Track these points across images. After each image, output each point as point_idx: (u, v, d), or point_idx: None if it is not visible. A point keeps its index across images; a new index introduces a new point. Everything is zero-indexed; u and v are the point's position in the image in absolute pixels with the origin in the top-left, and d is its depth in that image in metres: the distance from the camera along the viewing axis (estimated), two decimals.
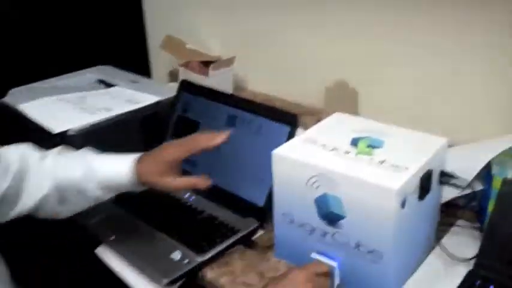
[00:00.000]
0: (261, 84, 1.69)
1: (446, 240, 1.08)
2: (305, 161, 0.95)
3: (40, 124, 1.28)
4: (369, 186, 0.88)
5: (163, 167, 1.00)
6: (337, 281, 0.97)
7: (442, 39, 1.28)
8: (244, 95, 1.68)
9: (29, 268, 1.13)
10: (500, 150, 1.08)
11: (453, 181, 1.02)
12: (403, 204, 0.89)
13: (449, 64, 1.30)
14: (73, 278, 1.29)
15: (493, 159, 1.08)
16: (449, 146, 1.03)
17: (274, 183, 1.01)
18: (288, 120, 1.14)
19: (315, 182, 0.94)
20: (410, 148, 0.98)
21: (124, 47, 1.89)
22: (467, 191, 1.11)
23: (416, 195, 0.93)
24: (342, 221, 0.94)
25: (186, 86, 1.38)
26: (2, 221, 1.02)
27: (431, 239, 1.05)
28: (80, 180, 1.02)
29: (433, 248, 1.05)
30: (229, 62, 1.63)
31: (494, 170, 1.07)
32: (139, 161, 1.02)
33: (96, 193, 1.03)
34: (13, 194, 1.00)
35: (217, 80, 1.59)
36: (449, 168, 1.06)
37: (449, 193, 1.11)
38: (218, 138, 1.01)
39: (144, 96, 1.43)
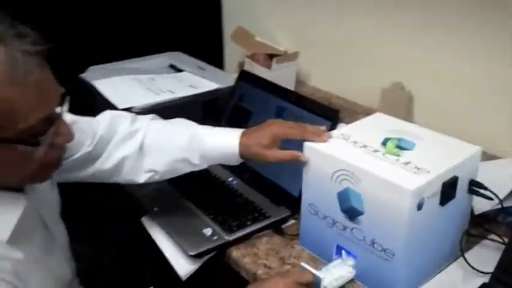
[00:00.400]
0: (322, 81, 1.72)
1: (473, 251, 1.07)
2: (332, 155, 0.99)
3: (108, 99, 1.41)
4: (387, 184, 0.90)
5: (267, 141, 1.06)
6: None
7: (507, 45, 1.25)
8: (305, 90, 1.73)
9: (82, 232, 1.25)
10: None
11: (483, 192, 1.01)
12: (419, 207, 0.90)
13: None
14: (119, 241, 1.40)
15: None
16: (498, 157, 1.02)
17: (304, 174, 1.05)
18: (330, 115, 1.18)
19: (339, 176, 0.98)
20: (440, 153, 0.99)
21: (201, 36, 1.99)
22: (505, 205, 1.09)
23: (437, 200, 0.94)
24: (360, 217, 0.96)
25: (245, 77, 1.45)
26: (73, 180, 1.13)
27: (455, 247, 1.04)
28: (184, 147, 1.09)
29: (456, 257, 1.05)
30: (293, 56, 1.68)
31: None
32: (244, 134, 1.08)
33: (195, 162, 1.10)
34: (93, 156, 1.10)
35: (279, 74, 1.64)
36: (485, 180, 1.06)
37: (483, 205, 1.10)
38: (324, 137, 1.03)
39: (206, 82, 1.52)
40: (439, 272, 1.03)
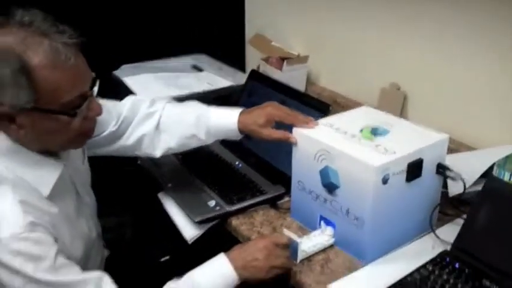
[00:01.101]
0: (330, 81, 1.89)
1: (445, 227, 1.21)
2: (314, 137, 1.16)
3: (134, 93, 1.62)
4: (357, 162, 1.07)
5: (263, 120, 1.24)
6: (300, 256, 1.14)
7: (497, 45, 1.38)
8: (314, 89, 1.90)
9: (108, 206, 1.45)
10: (503, 155, 1.20)
11: (449, 173, 1.16)
12: (385, 181, 1.06)
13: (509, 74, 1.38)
14: (140, 214, 1.60)
15: (496, 162, 1.20)
16: None
17: (293, 154, 1.22)
18: (323, 108, 1.35)
19: (320, 155, 1.15)
20: (409, 139, 1.15)
21: (225, 41, 2.19)
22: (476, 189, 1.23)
23: (403, 177, 1.10)
24: (337, 191, 1.13)
25: (254, 76, 1.64)
26: (100, 154, 1.34)
27: (425, 222, 1.18)
28: (191, 124, 1.29)
29: (428, 232, 1.19)
30: (303, 59, 1.86)
31: (495, 171, 1.19)
32: (243, 113, 1.27)
33: (202, 137, 1.29)
34: (118, 134, 1.31)
35: (290, 75, 1.82)
36: (463, 165, 1.21)
37: (456, 188, 1.24)
38: (311, 124, 1.20)
39: (221, 80, 1.71)
40: (410, 243, 1.18)
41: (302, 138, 1.19)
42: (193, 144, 1.32)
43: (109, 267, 1.35)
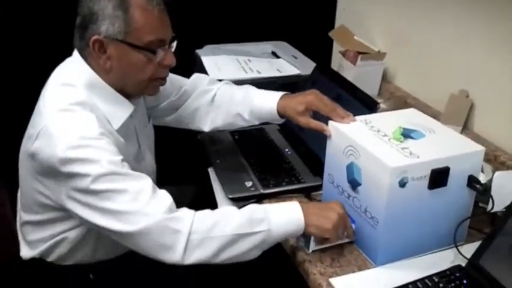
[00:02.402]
0: (405, 81, 1.84)
1: (473, 245, 1.15)
2: (344, 132, 1.17)
3: (207, 71, 1.71)
4: (376, 160, 1.06)
5: (301, 107, 1.30)
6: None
7: None
8: (388, 87, 1.87)
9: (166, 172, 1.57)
10: None
11: (479, 188, 1.11)
12: (402, 184, 1.05)
13: None
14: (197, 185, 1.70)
15: None
16: None
17: (327, 147, 1.24)
18: (370, 105, 1.34)
19: (348, 151, 1.15)
20: (442, 146, 1.11)
21: (316, 31, 2.21)
22: None
23: (425, 184, 1.07)
24: (359, 188, 1.13)
25: (320, 68, 1.65)
26: (160, 124, 1.48)
27: (450, 235, 1.14)
28: (238, 103, 1.40)
29: (451, 246, 1.15)
30: (379, 56, 1.83)
31: None
32: (283, 98, 1.35)
33: (246, 117, 1.39)
34: (177, 104, 1.45)
35: (364, 70, 1.81)
36: (505, 186, 1.15)
37: (496, 206, 1.18)
38: (347, 120, 1.22)
39: (291, 68, 1.75)
40: (429, 253, 1.15)
41: (334, 131, 1.21)
42: (239, 123, 1.42)
43: None
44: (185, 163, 1.66)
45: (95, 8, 1.13)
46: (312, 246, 1.15)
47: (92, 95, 1.17)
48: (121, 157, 1.10)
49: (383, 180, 1.05)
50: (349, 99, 1.43)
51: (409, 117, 1.25)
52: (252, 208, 1.12)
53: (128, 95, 1.24)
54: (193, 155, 1.63)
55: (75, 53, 1.22)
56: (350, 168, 1.15)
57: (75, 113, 1.13)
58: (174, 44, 1.23)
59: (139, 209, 1.06)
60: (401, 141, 1.12)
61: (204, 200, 1.65)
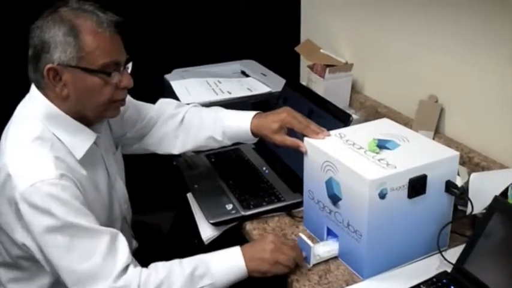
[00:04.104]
0: (373, 90, 1.86)
1: (457, 249, 1.16)
2: (320, 148, 1.17)
3: (177, 96, 1.70)
4: (354, 174, 1.07)
5: (276, 126, 1.30)
6: (313, 261, 1.16)
7: None
8: (358, 97, 1.89)
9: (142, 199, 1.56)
10: None
11: (457, 192, 1.12)
12: (382, 196, 1.05)
13: None
14: (173, 212, 1.68)
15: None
16: None
17: (304, 163, 1.24)
18: (343, 118, 1.35)
19: (325, 166, 1.16)
20: (417, 154, 1.12)
21: (280, 47, 2.22)
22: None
23: (404, 193, 1.08)
24: (340, 202, 1.14)
25: (290, 84, 1.66)
26: (129, 152, 1.48)
27: (433, 241, 1.15)
28: (209, 125, 1.40)
29: (436, 252, 1.16)
30: (346, 68, 1.85)
31: (510, 192, 1.13)
32: (256, 117, 1.35)
33: (218, 138, 1.39)
34: (144, 132, 1.45)
35: (334, 82, 1.82)
36: (481, 186, 1.17)
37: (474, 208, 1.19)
38: (321, 135, 1.23)
39: (261, 86, 1.75)
40: (415, 261, 1.16)
41: (310, 147, 1.21)
42: (211, 144, 1.42)
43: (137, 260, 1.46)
44: (162, 189, 1.65)
45: (46, 37, 1.14)
46: (313, 259, 1.16)
47: (52, 127, 1.17)
48: (80, 206, 1.10)
49: (363, 194, 1.05)
50: (321, 113, 1.44)
51: (382, 127, 1.27)
52: (195, 263, 1.14)
53: (89, 122, 1.23)
54: (170, 181, 1.62)
55: (32, 87, 1.21)
56: (329, 184, 1.16)
57: (34, 152, 1.13)
58: (130, 66, 1.24)
59: (87, 270, 1.07)
60: (377, 153, 1.13)
61: (183, 225, 1.64)
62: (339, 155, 1.13)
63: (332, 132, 1.24)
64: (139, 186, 1.58)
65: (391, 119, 1.37)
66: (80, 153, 1.19)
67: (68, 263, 1.07)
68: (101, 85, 1.18)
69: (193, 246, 1.61)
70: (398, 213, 1.09)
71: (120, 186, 1.39)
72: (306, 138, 1.22)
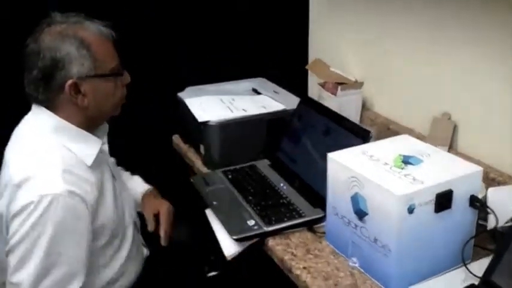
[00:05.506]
0: (385, 108, 1.89)
1: (481, 262, 1.18)
2: (345, 164, 1.19)
3: (193, 114, 1.72)
4: (382, 190, 1.09)
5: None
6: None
7: None
8: (368, 114, 1.92)
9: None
10: None
11: (480, 206, 1.15)
12: (410, 211, 1.07)
13: None
14: (190, 229, 1.69)
15: None
16: None
17: (327, 180, 1.26)
18: (362, 134, 1.38)
19: (351, 182, 1.18)
20: (441, 170, 1.15)
21: (289, 66, 2.26)
22: None
23: (431, 208, 1.10)
24: (366, 217, 1.15)
25: (306, 100, 1.69)
26: None
27: (458, 255, 1.16)
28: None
29: (460, 265, 1.17)
30: (357, 85, 1.88)
31: None
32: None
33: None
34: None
35: (345, 100, 1.85)
36: (502, 201, 1.20)
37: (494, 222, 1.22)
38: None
39: (276, 104, 1.77)
40: (441, 275, 1.18)
41: (336, 165, 1.23)
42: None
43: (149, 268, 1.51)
44: (179, 207, 1.65)
45: (58, 55, 1.20)
46: None
47: (61, 139, 1.23)
48: (74, 229, 1.17)
49: (391, 209, 1.07)
50: (339, 130, 1.47)
51: (404, 143, 1.29)
52: None
53: (95, 127, 1.32)
54: (187, 198, 1.62)
55: (34, 108, 1.27)
56: (355, 199, 1.17)
57: (43, 164, 1.18)
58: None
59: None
60: (402, 168, 1.16)
61: (201, 241, 1.65)
62: (365, 171, 1.15)
63: (355, 148, 1.27)
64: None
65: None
66: (90, 159, 1.26)
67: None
68: (114, 87, 1.30)
69: (210, 261, 1.63)
70: (426, 228, 1.11)
71: (128, 193, 1.48)
72: (330, 155, 1.24)
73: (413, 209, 1.08)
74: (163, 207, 1.54)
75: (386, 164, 1.18)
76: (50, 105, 1.24)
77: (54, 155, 1.19)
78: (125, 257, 1.37)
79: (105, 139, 1.39)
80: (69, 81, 1.20)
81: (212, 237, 1.45)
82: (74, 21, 1.25)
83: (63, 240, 1.15)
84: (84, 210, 1.18)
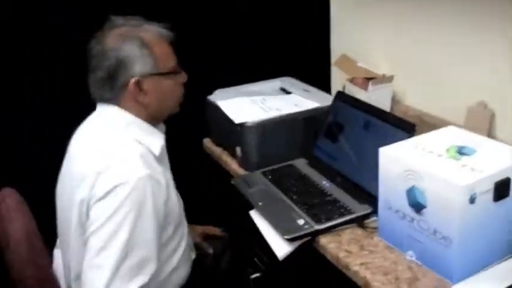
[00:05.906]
0: (416, 100, 1.89)
1: None
2: (401, 158, 1.19)
3: (228, 116, 1.71)
4: (444, 182, 1.09)
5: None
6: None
7: None
8: (400, 108, 1.92)
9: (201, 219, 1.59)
10: None
11: None
12: (472, 201, 1.07)
13: None
14: (231, 231, 1.69)
15: None
16: None
17: (379, 174, 1.26)
18: (407, 128, 1.38)
19: (407, 175, 1.18)
20: (496, 158, 1.15)
21: (312, 63, 2.26)
22: None
23: (490, 197, 1.10)
24: (424, 210, 1.15)
25: (340, 97, 1.69)
26: None
27: None
28: None
29: None
30: (388, 79, 1.88)
31: None
32: None
33: None
34: None
35: (376, 94, 1.85)
36: None
37: None
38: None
39: (309, 102, 1.77)
40: (500, 262, 1.18)
41: (389, 158, 1.23)
42: None
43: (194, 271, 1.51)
44: (220, 209, 1.66)
45: (121, 55, 1.27)
46: None
47: (132, 133, 1.30)
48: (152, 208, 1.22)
49: (453, 200, 1.07)
50: (380, 124, 1.47)
51: (452, 134, 1.29)
52: None
53: (156, 124, 1.38)
54: (229, 200, 1.63)
55: (100, 106, 1.34)
56: (411, 193, 1.18)
57: (123, 152, 1.26)
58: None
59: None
60: (457, 159, 1.16)
61: (240, 246, 1.66)
62: (423, 164, 1.15)
63: (406, 142, 1.27)
64: (196, 203, 1.60)
65: (437, 126, 1.40)
66: (157, 150, 1.33)
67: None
68: (173, 85, 1.37)
69: (257, 266, 1.64)
70: (485, 217, 1.11)
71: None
72: (382, 149, 1.24)
73: (475, 198, 1.08)
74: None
75: (440, 155, 1.18)
76: (116, 103, 1.31)
77: (130, 146, 1.27)
78: (181, 254, 1.40)
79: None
80: (133, 79, 1.27)
81: (255, 238, 1.46)
82: (134, 24, 1.32)
83: (145, 222, 1.20)
84: (163, 192, 1.26)
